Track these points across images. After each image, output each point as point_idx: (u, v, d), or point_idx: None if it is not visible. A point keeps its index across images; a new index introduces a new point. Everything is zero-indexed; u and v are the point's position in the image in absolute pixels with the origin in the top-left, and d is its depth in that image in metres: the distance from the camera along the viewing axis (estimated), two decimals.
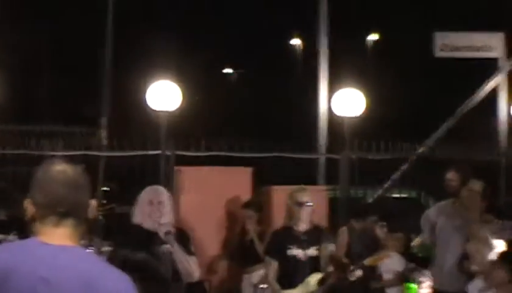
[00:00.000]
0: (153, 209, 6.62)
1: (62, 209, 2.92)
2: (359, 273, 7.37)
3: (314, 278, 7.27)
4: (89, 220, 3.05)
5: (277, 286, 7.32)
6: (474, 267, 6.98)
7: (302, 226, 7.35)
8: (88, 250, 3.04)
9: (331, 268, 7.41)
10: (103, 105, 15.67)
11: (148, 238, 6.57)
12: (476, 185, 8.12)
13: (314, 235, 7.35)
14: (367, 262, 7.64)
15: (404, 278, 8.62)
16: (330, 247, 7.42)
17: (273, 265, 7.38)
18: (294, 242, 7.28)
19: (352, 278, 7.36)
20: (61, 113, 17.60)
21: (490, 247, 6.96)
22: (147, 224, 6.62)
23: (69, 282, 2.82)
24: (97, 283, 2.85)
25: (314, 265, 7.29)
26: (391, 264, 9.04)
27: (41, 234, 2.92)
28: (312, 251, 7.29)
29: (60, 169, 2.96)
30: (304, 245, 7.26)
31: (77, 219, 2.95)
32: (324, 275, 7.29)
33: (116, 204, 10.74)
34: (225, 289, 9.18)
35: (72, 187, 2.94)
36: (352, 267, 7.37)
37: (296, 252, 7.27)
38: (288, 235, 7.35)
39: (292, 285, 7.29)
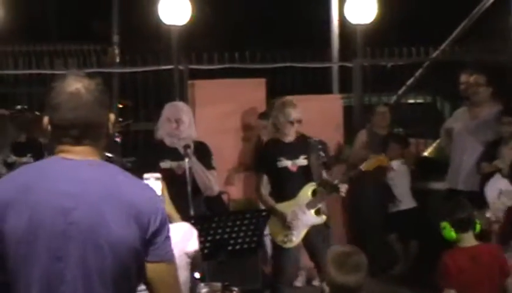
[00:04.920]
0: (171, 126, 6.70)
1: (76, 133, 2.86)
2: (345, 187, 7.17)
3: (309, 189, 7.17)
4: (109, 135, 2.98)
5: (271, 202, 7.19)
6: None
7: (289, 138, 7.25)
8: (110, 163, 3.00)
9: (323, 176, 7.29)
10: (114, 22, 15.56)
11: (168, 154, 6.65)
12: (473, 78, 8.05)
13: (301, 145, 7.22)
14: (364, 166, 7.44)
15: None
16: (320, 157, 7.19)
17: (264, 179, 7.29)
18: (282, 154, 7.17)
19: (342, 194, 7.23)
20: (72, 32, 17.46)
21: None
22: (167, 141, 6.71)
23: (92, 193, 2.80)
24: (121, 193, 2.82)
25: (305, 175, 7.16)
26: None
27: (61, 152, 2.88)
28: (301, 161, 7.17)
29: (72, 91, 2.86)
30: (292, 155, 7.15)
31: (95, 137, 2.89)
32: (317, 185, 7.15)
33: (131, 121, 10.74)
34: (243, 200, 9.26)
35: (84, 109, 2.86)
36: (336, 181, 7.18)
37: (286, 163, 7.17)
38: (276, 147, 7.25)
39: (286, 198, 7.16)
